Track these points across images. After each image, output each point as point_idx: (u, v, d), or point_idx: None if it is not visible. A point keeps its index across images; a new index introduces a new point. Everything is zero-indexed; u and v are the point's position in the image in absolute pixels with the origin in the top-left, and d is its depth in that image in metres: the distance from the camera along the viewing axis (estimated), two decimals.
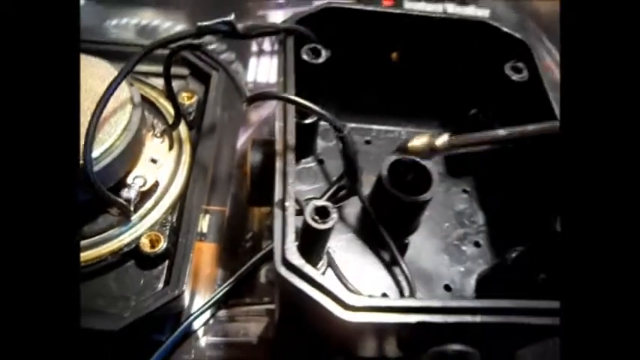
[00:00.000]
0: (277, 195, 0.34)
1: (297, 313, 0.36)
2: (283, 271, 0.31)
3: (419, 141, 0.38)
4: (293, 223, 0.33)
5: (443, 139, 0.36)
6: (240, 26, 0.38)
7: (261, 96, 0.36)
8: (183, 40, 0.38)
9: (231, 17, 0.37)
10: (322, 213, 0.33)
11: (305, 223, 0.33)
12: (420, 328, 0.31)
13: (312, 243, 0.35)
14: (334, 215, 0.33)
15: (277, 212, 0.33)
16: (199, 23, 0.36)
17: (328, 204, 0.33)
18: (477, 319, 0.31)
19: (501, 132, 0.35)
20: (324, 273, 0.40)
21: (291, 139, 0.36)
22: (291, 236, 0.32)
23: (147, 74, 0.49)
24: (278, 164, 0.35)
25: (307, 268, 0.31)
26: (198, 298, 0.45)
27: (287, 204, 0.33)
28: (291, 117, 0.37)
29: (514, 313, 0.32)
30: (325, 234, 0.34)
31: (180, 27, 0.64)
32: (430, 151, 0.37)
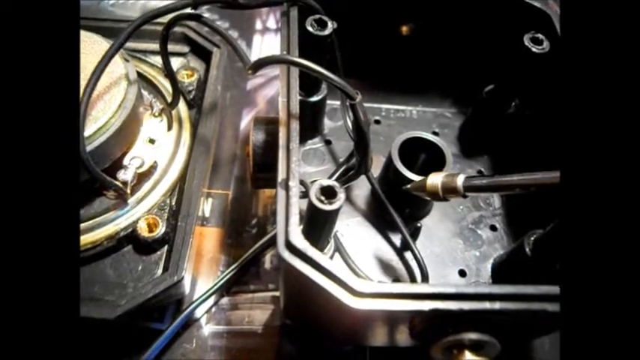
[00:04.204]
0: (280, 174, 0.31)
1: (302, 299, 0.34)
2: (287, 255, 0.29)
3: (436, 179, 0.36)
4: (297, 203, 0.30)
5: (460, 181, 0.35)
6: None
7: (266, 61, 0.33)
8: (181, 11, 0.35)
9: None
10: (329, 193, 0.30)
11: (310, 204, 0.31)
12: (434, 316, 0.29)
13: (318, 226, 0.33)
14: (341, 195, 0.30)
15: (280, 192, 0.30)
16: None
17: (335, 183, 0.31)
18: (496, 305, 0.29)
19: (515, 177, 0.34)
20: (331, 258, 0.38)
21: (295, 115, 0.34)
22: (294, 218, 0.30)
23: (145, 52, 0.47)
24: (281, 142, 0.33)
25: (312, 252, 0.28)
26: (201, 285, 0.43)
27: (291, 184, 0.31)
28: (295, 91, 0.35)
29: (535, 299, 0.29)
30: (332, 215, 0.32)
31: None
32: (447, 192, 0.36)
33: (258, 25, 0.61)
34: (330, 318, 0.34)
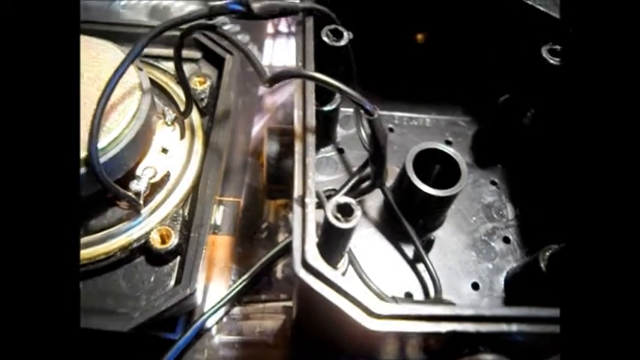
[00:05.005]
0: (297, 190, 0.31)
1: (316, 316, 0.34)
2: (303, 275, 0.28)
3: None
4: (314, 220, 0.30)
5: None
6: (255, 6, 0.35)
7: (284, 75, 0.33)
8: (196, 21, 0.35)
9: None
10: (345, 210, 0.30)
11: (326, 221, 0.30)
12: (451, 336, 0.29)
13: (333, 242, 0.32)
14: (358, 213, 0.30)
15: (297, 210, 0.30)
16: (212, 3, 0.33)
17: (351, 201, 0.30)
18: (513, 328, 0.29)
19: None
20: (345, 271, 0.37)
21: (312, 128, 0.33)
22: (311, 236, 0.29)
23: (157, 57, 0.47)
24: (297, 156, 0.32)
25: (329, 272, 0.28)
26: (212, 294, 0.43)
27: (307, 200, 0.30)
28: (311, 104, 0.34)
29: (552, 322, 0.29)
30: (348, 233, 0.31)
31: (192, 7, 0.61)
32: None
33: (270, 29, 0.60)
34: (343, 335, 0.34)
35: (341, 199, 0.30)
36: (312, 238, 0.29)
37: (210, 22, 0.35)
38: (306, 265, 0.29)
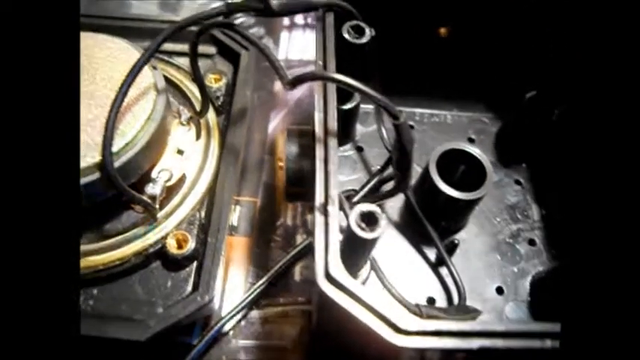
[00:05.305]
0: (318, 198, 0.30)
1: (337, 326, 0.33)
2: (326, 287, 0.27)
3: None
4: (337, 230, 0.29)
5: None
6: (274, 2, 0.33)
7: (306, 77, 0.31)
8: (213, 19, 0.34)
9: None
10: (370, 219, 0.29)
11: (349, 230, 0.29)
12: (481, 354, 0.28)
13: (356, 251, 0.31)
14: (383, 222, 0.29)
15: (319, 219, 0.29)
16: (229, 0, 0.32)
17: (376, 209, 0.29)
18: (547, 344, 0.27)
19: None
20: (366, 278, 0.36)
21: (333, 132, 0.32)
22: (334, 246, 0.28)
23: (171, 54, 0.45)
24: (318, 163, 0.31)
25: (353, 285, 0.27)
26: (229, 297, 0.42)
27: (330, 208, 0.29)
28: (333, 106, 0.33)
29: None
30: (372, 243, 0.30)
31: (204, 0, 0.59)
32: None
33: (286, 21, 0.58)
34: (366, 346, 0.33)
35: (365, 207, 0.29)
36: (336, 249, 0.28)
37: (228, 20, 0.34)
38: (329, 278, 0.27)
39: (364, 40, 0.36)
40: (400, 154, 0.33)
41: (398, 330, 0.26)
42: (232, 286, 0.43)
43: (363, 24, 0.37)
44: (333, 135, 0.32)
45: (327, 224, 0.29)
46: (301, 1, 0.34)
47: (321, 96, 0.33)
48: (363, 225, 0.29)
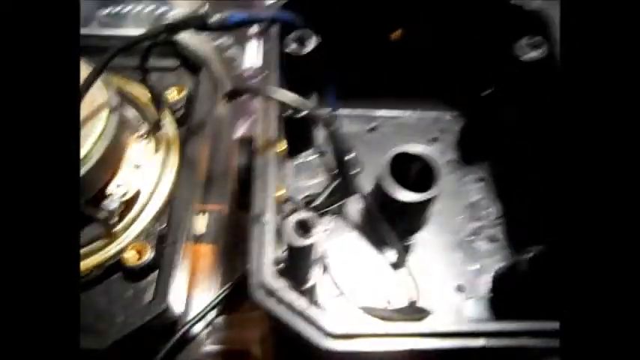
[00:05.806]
0: (255, 207, 0.31)
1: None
2: (259, 296, 0.28)
3: None
4: (272, 241, 0.30)
5: None
6: (214, 18, 0.34)
7: (240, 90, 0.32)
8: (155, 39, 0.35)
9: (204, 9, 0.34)
10: (305, 227, 0.30)
11: (287, 238, 0.30)
12: (414, 355, 0.28)
13: (298, 257, 0.32)
14: (317, 229, 0.30)
15: (253, 229, 0.30)
16: (168, 21, 0.33)
17: (310, 216, 0.30)
18: (480, 342, 0.28)
19: None
20: (315, 284, 0.37)
21: (272, 143, 0.33)
22: (268, 256, 0.29)
23: (133, 69, 0.46)
24: (257, 171, 0.32)
25: (285, 293, 0.28)
26: (196, 304, 0.43)
27: (266, 218, 0.30)
28: (274, 117, 0.34)
29: (523, 335, 0.28)
30: (309, 249, 0.31)
31: (177, 11, 0.60)
32: None
33: (254, 29, 0.59)
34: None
35: (301, 215, 0.30)
36: (269, 258, 0.29)
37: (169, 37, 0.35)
38: (263, 286, 0.28)
39: (307, 50, 0.37)
40: (338, 160, 0.34)
41: (327, 334, 0.27)
42: (200, 293, 0.44)
43: (307, 33, 0.38)
44: (272, 145, 0.33)
45: (261, 234, 0.30)
46: (240, 17, 0.35)
47: (262, 108, 0.34)
48: (299, 232, 0.30)
